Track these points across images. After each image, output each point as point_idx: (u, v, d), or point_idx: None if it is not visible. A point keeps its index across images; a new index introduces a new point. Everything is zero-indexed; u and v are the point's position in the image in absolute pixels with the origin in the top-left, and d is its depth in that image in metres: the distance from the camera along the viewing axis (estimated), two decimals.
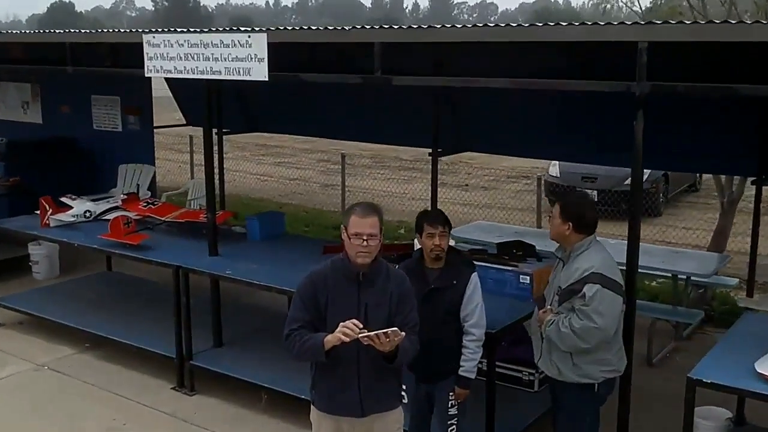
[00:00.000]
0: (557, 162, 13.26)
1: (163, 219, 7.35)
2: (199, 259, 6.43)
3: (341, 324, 3.71)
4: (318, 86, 8.91)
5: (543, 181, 12.90)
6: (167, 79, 10.62)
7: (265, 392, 6.04)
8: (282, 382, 5.97)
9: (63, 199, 7.91)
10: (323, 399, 4.00)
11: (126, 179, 10.28)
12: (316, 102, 9.22)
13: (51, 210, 7.48)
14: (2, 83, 11.74)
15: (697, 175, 14.89)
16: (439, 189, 8.21)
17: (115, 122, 10.86)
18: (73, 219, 7.54)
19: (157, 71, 6.35)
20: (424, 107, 8.05)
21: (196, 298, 6.49)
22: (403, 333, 3.71)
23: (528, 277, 5.37)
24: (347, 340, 3.68)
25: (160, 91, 10.48)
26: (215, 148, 7.59)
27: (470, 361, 4.55)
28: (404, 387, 4.38)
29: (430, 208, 6.07)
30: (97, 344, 7.26)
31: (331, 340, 3.74)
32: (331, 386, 3.94)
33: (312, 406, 4.09)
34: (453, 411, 4.63)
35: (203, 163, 6.52)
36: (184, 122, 11.04)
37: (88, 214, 7.66)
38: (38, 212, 7.59)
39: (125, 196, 8.10)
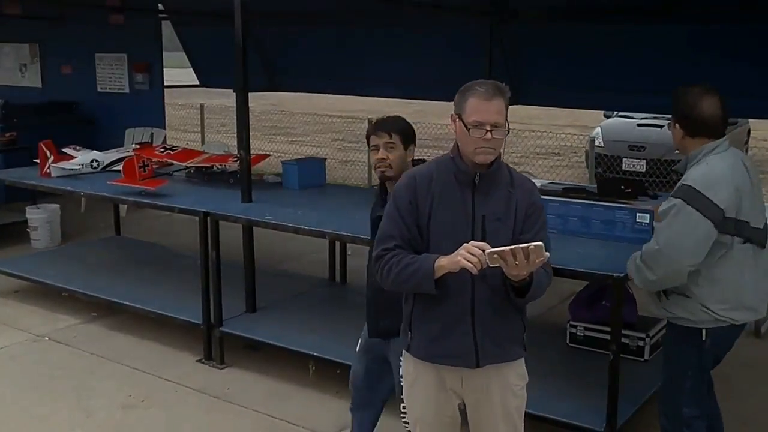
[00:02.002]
0: (600, 130, 12.22)
1: (185, 164, 6.28)
2: (231, 205, 5.39)
3: (464, 246, 2.69)
4: (347, 31, 8.02)
5: (585, 152, 11.85)
6: (178, 30, 9.82)
7: (312, 362, 5.00)
8: (332, 348, 4.93)
9: (66, 150, 6.84)
10: (423, 344, 2.96)
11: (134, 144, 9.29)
12: (345, 53, 8.24)
13: (53, 157, 6.41)
14: None
15: (745, 147, 13.88)
16: None
17: (121, 83, 10.16)
18: (78, 168, 6.47)
19: None
20: (472, 53, 7.07)
21: (223, 262, 5.41)
22: (548, 253, 2.69)
23: (647, 215, 4.29)
24: (474, 270, 2.66)
25: None
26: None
27: None
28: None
29: None
30: (106, 313, 6.24)
31: (446, 265, 2.72)
32: (437, 327, 2.90)
33: (406, 354, 3.05)
34: None
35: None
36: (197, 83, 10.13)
37: (95, 164, 6.59)
38: (37, 161, 6.54)
39: (137, 146, 7.05)
